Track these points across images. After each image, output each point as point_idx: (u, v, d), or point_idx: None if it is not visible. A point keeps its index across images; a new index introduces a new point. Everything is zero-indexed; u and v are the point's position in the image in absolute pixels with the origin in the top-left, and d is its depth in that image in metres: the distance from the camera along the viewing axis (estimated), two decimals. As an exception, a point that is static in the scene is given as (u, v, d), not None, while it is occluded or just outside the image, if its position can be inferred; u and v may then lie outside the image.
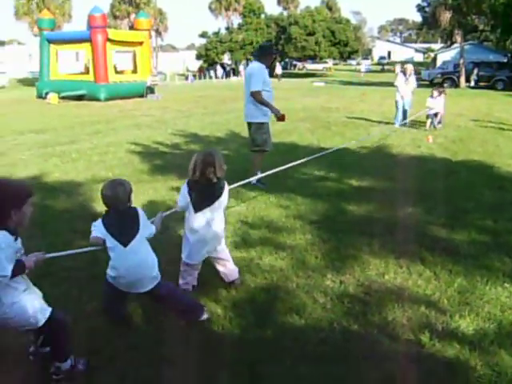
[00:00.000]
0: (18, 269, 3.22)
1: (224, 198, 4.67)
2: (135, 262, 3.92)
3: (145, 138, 13.99)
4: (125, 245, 3.90)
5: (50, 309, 3.45)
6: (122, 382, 3.46)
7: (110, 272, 3.99)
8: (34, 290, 3.48)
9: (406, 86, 15.96)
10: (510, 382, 3.40)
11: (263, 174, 7.79)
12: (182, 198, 4.61)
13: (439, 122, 15.44)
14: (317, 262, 5.37)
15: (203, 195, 4.57)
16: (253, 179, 7.88)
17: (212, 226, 4.61)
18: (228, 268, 4.83)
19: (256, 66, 8.43)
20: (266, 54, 8.65)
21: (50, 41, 29.74)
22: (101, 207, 7.36)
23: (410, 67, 16.35)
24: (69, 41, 29.41)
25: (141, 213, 4.05)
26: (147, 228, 4.07)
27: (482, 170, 9.93)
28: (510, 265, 5.28)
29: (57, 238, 6.21)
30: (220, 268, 4.82)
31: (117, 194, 3.93)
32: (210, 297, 4.59)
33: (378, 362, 3.58)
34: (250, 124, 8.71)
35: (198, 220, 4.56)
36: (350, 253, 5.59)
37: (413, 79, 16.22)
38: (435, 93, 15.36)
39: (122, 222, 3.97)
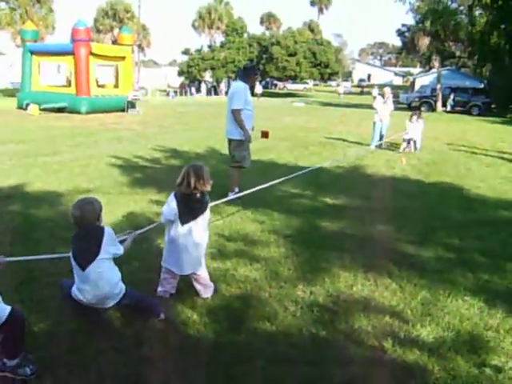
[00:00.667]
0: None
1: (207, 212, 4.88)
2: (94, 284, 4.11)
3: (125, 152, 14.17)
4: (83, 268, 4.09)
5: (9, 307, 3.51)
6: (103, 381, 3.66)
7: (74, 290, 4.21)
8: None
9: (384, 109, 16.40)
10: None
11: (243, 193, 8.02)
12: (170, 211, 4.67)
13: (415, 149, 15.87)
14: (289, 274, 5.62)
15: (190, 208, 4.70)
16: (232, 197, 8.12)
17: (196, 239, 4.79)
18: (205, 286, 4.98)
19: (239, 86, 8.75)
20: (249, 74, 8.96)
21: (33, 52, 29.78)
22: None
23: (387, 90, 16.90)
24: (52, 53, 29.46)
25: (107, 233, 4.15)
26: (112, 248, 4.18)
27: (452, 192, 10.31)
28: (471, 280, 5.60)
29: (38, 245, 6.36)
30: (197, 285, 4.97)
31: (84, 213, 4.06)
32: (187, 304, 4.81)
33: (344, 365, 3.83)
34: (230, 141, 9.02)
35: (183, 232, 4.71)
36: (321, 266, 5.86)
37: (390, 102, 16.75)
38: (414, 117, 15.81)
39: (84, 244, 4.12)
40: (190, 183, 4.60)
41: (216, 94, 61.41)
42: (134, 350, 4.01)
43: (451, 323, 4.55)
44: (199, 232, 4.81)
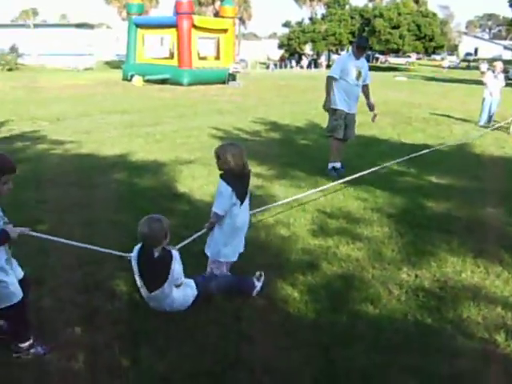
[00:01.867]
0: (2, 237, 3.35)
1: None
2: (158, 304, 4.16)
3: (226, 124, 14.25)
4: (150, 291, 4.11)
5: (21, 293, 3.53)
6: (201, 354, 3.65)
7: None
8: (14, 266, 3.60)
9: (495, 84, 15.58)
10: None
11: (353, 176, 7.83)
12: (227, 201, 4.43)
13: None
14: (393, 255, 5.42)
15: (244, 186, 4.58)
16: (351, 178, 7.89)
17: (247, 217, 4.76)
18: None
19: (342, 55, 8.81)
20: (355, 45, 8.93)
21: (138, 25, 30.57)
22: (183, 187, 7.72)
23: (499, 65, 16.02)
24: (156, 26, 30.14)
25: (175, 257, 4.11)
26: (178, 273, 4.15)
27: None
28: None
29: (142, 214, 6.45)
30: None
31: (152, 231, 4.01)
32: (287, 280, 4.73)
33: (452, 357, 3.62)
34: (326, 109, 8.98)
35: (243, 211, 4.60)
36: (426, 248, 5.60)
37: (501, 77, 15.85)
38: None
39: (153, 270, 4.11)
40: (243, 161, 4.48)
41: (316, 67, 60.67)
42: (233, 325, 3.98)
43: None
44: (248, 209, 4.78)
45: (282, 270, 4.95)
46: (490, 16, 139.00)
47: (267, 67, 55.23)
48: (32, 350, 3.66)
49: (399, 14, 59.04)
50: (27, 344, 3.66)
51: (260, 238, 5.71)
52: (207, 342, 3.76)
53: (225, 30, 30.85)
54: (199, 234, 4.99)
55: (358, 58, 8.75)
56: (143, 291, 4.19)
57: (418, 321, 4.11)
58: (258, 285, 4.51)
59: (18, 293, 3.50)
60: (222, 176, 4.51)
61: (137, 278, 4.20)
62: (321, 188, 7.49)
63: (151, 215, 4.20)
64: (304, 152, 10.71)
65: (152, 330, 3.92)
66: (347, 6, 65.60)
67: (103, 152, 10.27)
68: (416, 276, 4.92)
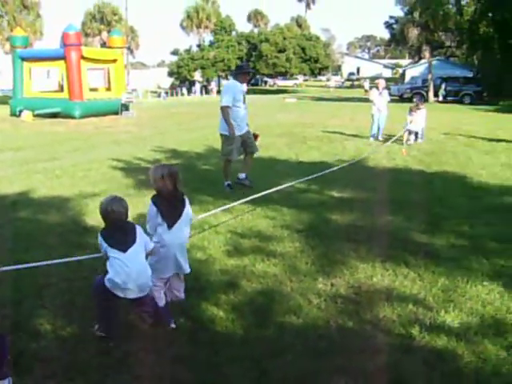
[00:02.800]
0: None
1: (188, 208, 4.81)
2: (136, 267, 4.15)
3: (125, 155, 14.15)
4: (124, 250, 4.11)
5: None
6: (136, 381, 3.69)
7: (113, 278, 4.13)
8: None
9: (380, 100, 16.58)
10: (494, 366, 3.74)
11: (260, 194, 8.02)
12: (153, 220, 4.60)
13: (421, 137, 16.00)
14: (307, 268, 5.67)
15: (173, 209, 4.66)
16: (247, 199, 8.08)
17: (183, 238, 4.80)
18: (182, 285, 4.95)
19: (229, 84, 9.47)
20: (240, 72, 9.66)
21: (24, 58, 29.63)
22: (91, 220, 7.63)
23: (382, 82, 17.14)
24: (43, 58, 29.38)
25: (138, 228, 4.28)
26: (145, 240, 4.29)
27: (455, 180, 10.40)
28: (487, 266, 5.67)
29: (53, 251, 6.36)
30: (176, 285, 4.92)
31: (115, 208, 4.16)
32: (210, 301, 4.85)
33: (374, 354, 3.89)
34: (220, 135, 9.60)
35: (171, 235, 4.63)
36: (338, 258, 5.91)
37: (386, 93, 16.95)
38: (413, 111, 15.86)
39: (120, 233, 4.18)
40: (172, 183, 4.59)
41: (207, 93, 61.35)
42: (166, 350, 4.04)
43: (474, 308, 4.62)
44: (185, 230, 4.82)
45: (204, 291, 5.06)
46: (369, 37, 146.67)
47: (159, 96, 55.14)
48: None
49: (284, 38, 61.06)
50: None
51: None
52: (143, 370, 3.80)
53: (114, 60, 30.57)
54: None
55: (242, 83, 9.50)
56: (120, 255, 4.10)
57: (340, 325, 4.36)
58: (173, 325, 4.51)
59: None
60: (152, 197, 4.67)
61: (109, 250, 4.14)
62: (229, 206, 7.61)
63: (112, 195, 4.44)
64: (207, 177, 10.88)
65: (84, 363, 3.90)
66: (233, 33, 67.01)
67: (2, 190, 9.91)
68: (332, 284, 5.19)
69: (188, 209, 4.84)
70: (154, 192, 4.74)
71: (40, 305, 4.87)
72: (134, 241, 4.17)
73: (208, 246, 6.43)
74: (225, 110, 9.15)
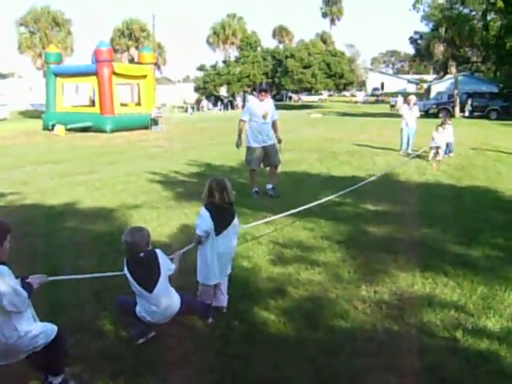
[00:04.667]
0: (29, 289, 3.68)
1: (236, 220, 5.19)
2: (163, 305, 4.45)
3: (161, 168, 14.56)
4: (150, 291, 4.40)
5: (56, 327, 3.85)
6: (199, 377, 3.99)
7: (141, 313, 4.48)
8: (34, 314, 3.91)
9: (410, 115, 17.01)
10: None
11: (302, 208, 8.34)
12: (206, 224, 4.93)
13: (450, 151, 16.18)
14: (350, 276, 5.96)
15: (223, 217, 5.02)
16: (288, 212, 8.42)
17: (230, 247, 5.15)
18: (224, 294, 5.23)
19: (249, 100, 10.77)
20: (259, 91, 11.10)
21: (57, 74, 30.49)
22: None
23: (413, 98, 17.82)
24: (75, 74, 30.22)
25: (159, 253, 4.51)
26: (167, 265, 4.54)
27: (486, 195, 10.58)
28: (524, 276, 5.89)
29: (104, 258, 6.73)
30: (217, 292, 5.20)
31: (135, 239, 4.41)
32: (261, 306, 5.16)
33: (422, 355, 4.17)
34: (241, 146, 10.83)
35: (220, 242, 4.99)
36: (378, 268, 6.19)
37: (416, 109, 17.44)
38: (440, 129, 16.06)
39: (145, 268, 4.44)
40: (219, 194, 4.95)
41: (232, 108, 61.99)
42: (224, 349, 4.35)
43: (513, 315, 4.87)
44: (232, 240, 5.17)
45: (254, 297, 5.37)
46: (393, 52, 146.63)
47: (186, 110, 55.87)
48: None
49: (309, 54, 61.53)
50: (60, 379, 3.84)
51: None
52: (204, 366, 4.11)
53: (144, 76, 31.28)
54: (188, 248, 5.33)
55: (261, 100, 10.42)
56: (146, 294, 4.39)
57: (386, 328, 4.64)
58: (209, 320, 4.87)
59: (52, 327, 3.82)
60: (205, 204, 5.03)
61: (135, 286, 4.43)
62: (272, 218, 7.94)
63: (133, 226, 4.67)
64: (243, 190, 11.18)
65: (149, 360, 4.22)
66: (259, 48, 67.70)
67: (48, 201, 10.36)
68: (375, 292, 5.47)
69: (236, 220, 5.18)
70: (192, 203, 5.10)
71: (102, 308, 5.20)
72: (158, 275, 4.41)
73: (253, 255, 6.75)
74: (239, 123, 10.55)
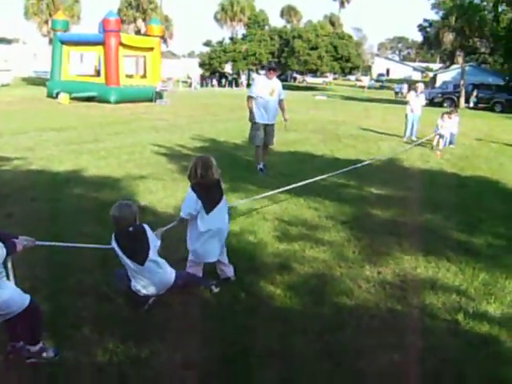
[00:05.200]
0: (10, 249, 3.62)
1: (224, 198, 5.24)
2: (156, 278, 4.54)
3: (165, 141, 14.60)
4: (142, 263, 4.49)
5: (28, 296, 3.74)
6: (208, 345, 4.09)
7: (135, 285, 4.57)
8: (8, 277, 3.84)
9: (416, 102, 17.12)
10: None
11: (301, 183, 8.41)
12: (190, 206, 4.97)
13: (450, 142, 16.19)
14: (355, 256, 6.06)
15: (211, 196, 5.06)
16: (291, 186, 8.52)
17: (223, 223, 5.19)
18: (227, 266, 5.30)
19: (256, 78, 11.29)
20: (267, 69, 11.03)
21: (63, 42, 30.30)
22: (144, 200, 8.06)
23: (420, 86, 18.08)
24: (82, 43, 30.04)
25: (147, 228, 4.58)
26: (154, 241, 4.60)
27: (489, 185, 10.68)
28: (525, 265, 5.99)
29: (109, 226, 6.74)
30: (220, 266, 5.29)
31: (122, 214, 4.46)
32: (267, 280, 5.26)
33: (424, 335, 4.29)
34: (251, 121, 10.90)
35: (210, 220, 5.03)
36: (382, 249, 6.28)
37: (422, 97, 17.62)
38: (445, 116, 16.06)
39: (134, 242, 4.51)
40: (205, 172, 4.95)
41: (237, 85, 61.72)
42: (231, 319, 4.45)
43: (514, 302, 4.98)
44: (224, 216, 5.23)
45: (259, 271, 5.47)
46: (400, 39, 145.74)
47: (190, 86, 55.62)
48: (44, 354, 3.83)
49: (317, 36, 61.12)
50: (37, 347, 3.82)
51: (232, 245, 6.17)
52: (212, 335, 4.20)
53: (151, 49, 31.11)
54: (169, 226, 5.34)
55: (270, 78, 10.55)
56: (135, 267, 4.49)
57: (389, 308, 4.76)
58: (216, 290, 4.97)
59: (23, 296, 3.71)
60: (191, 184, 5.06)
61: (125, 260, 4.51)
62: (271, 193, 7.98)
63: (121, 201, 4.70)
64: (249, 167, 11.27)
65: (156, 326, 4.31)
66: (266, 27, 67.19)
67: (54, 168, 10.41)
68: (378, 272, 5.58)
69: (224, 197, 5.25)
70: None
71: (108, 273, 5.27)
72: (148, 248, 4.49)
73: (258, 230, 6.83)
74: (248, 100, 10.62)
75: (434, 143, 15.62)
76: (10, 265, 3.82)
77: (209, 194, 5.03)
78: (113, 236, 4.57)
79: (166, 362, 3.83)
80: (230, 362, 3.84)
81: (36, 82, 46.82)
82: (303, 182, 8.31)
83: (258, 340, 4.13)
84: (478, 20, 39.35)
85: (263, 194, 7.88)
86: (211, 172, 4.99)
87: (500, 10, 41.72)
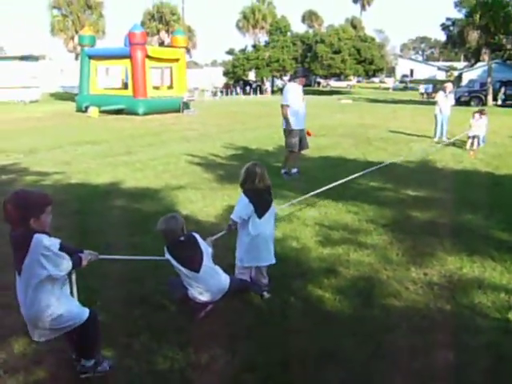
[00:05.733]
0: (76, 262, 3.71)
1: (273, 203, 5.40)
2: (212, 284, 4.67)
3: (198, 150, 14.79)
4: (197, 271, 4.61)
5: (87, 310, 3.79)
6: (263, 348, 4.20)
7: (192, 293, 4.68)
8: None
9: (445, 102, 17.09)
10: None
11: (338, 182, 8.79)
12: (244, 210, 5.09)
13: (483, 141, 16.07)
14: (399, 258, 6.12)
15: (263, 201, 5.21)
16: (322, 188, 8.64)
17: (271, 228, 5.35)
18: (265, 276, 5.31)
19: (290, 85, 11.03)
20: (300, 76, 11.16)
21: (91, 56, 30.82)
22: (185, 210, 8.20)
23: (449, 86, 18.03)
24: (109, 57, 30.53)
25: (197, 236, 4.74)
26: (206, 248, 4.75)
27: (526, 183, 10.61)
28: None
29: (157, 236, 6.93)
30: (260, 275, 5.32)
31: (170, 226, 4.62)
32: (315, 284, 5.35)
33: (476, 334, 4.33)
34: (284, 130, 11.07)
35: (262, 225, 5.17)
36: (426, 251, 6.33)
37: (451, 97, 17.55)
38: (477, 115, 15.98)
39: (188, 251, 4.65)
40: (260, 179, 5.11)
41: (261, 93, 61.90)
42: (283, 323, 4.55)
43: None
44: (272, 222, 5.38)
45: (307, 276, 5.57)
46: (423, 39, 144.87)
47: (215, 95, 55.98)
48: (99, 368, 3.88)
49: (339, 40, 61.05)
50: (92, 362, 3.87)
51: (277, 251, 6.24)
52: (267, 340, 4.30)
53: (177, 60, 31.47)
54: (219, 235, 5.52)
55: (301, 85, 10.94)
56: (191, 275, 4.61)
57: (439, 308, 4.81)
58: (267, 295, 5.09)
59: (81, 311, 3.78)
60: (244, 190, 5.19)
61: (181, 269, 4.64)
62: (310, 194, 8.24)
63: (167, 214, 4.87)
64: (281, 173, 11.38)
65: (213, 333, 4.42)
66: (289, 33, 67.34)
67: (93, 181, 10.65)
68: (424, 274, 5.63)
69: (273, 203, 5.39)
70: (234, 185, 5.27)
71: (159, 282, 5.41)
72: (201, 255, 4.64)
73: (300, 236, 6.93)
74: (284, 108, 10.64)
75: (468, 146, 15.49)
76: (74, 279, 3.97)
77: (261, 199, 5.18)
78: (165, 249, 4.71)
79: (226, 366, 3.94)
80: (287, 364, 3.93)
81: (64, 96, 47.58)
82: (339, 182, 8.56)
83: (312, 343, 4.22)
84: (502, 16, 38.89)
85: (302, 197, 8.08)
86: (264, 178, 5.16)
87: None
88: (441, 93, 17.84)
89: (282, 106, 10.74)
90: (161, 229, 4.66)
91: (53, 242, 3.54)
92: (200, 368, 3.95)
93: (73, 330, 3.73)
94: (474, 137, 15.61)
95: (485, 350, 4.08)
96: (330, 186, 8.57)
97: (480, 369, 3.84)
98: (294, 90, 10.81)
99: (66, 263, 3.62)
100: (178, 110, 30.19)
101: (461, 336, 4.29)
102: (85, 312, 3.78)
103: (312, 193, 8.29)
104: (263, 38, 69.54)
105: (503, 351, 4.06)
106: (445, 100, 17.39)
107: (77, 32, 47.12)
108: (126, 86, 31.29)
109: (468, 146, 15.50)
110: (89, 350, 3.89)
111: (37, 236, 3.47)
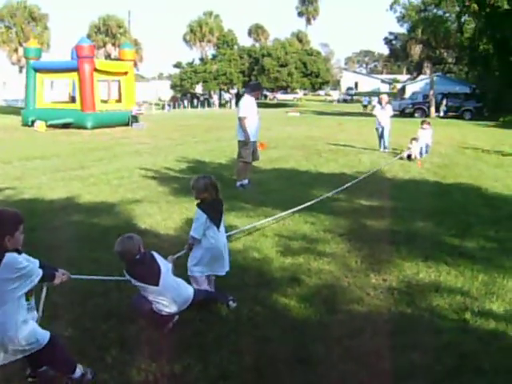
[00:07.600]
0: (48, 276, 3.77)
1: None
2: (174, 295, 4.75)
3: (151, 164, 14.78)
4: (156, 284, 4.68)
5: (48, 332, 3.75)
6: (237, 358, 4.30)
7: (156, 307, 4.73)
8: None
9: (383, 114, 17.54)
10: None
11: (305, 205, 8.95)
12: (204, 225, 5.20)
13: (426, 152, 16.60)
14: (358, 266, 6.33)
15: (217, 211, 5.38)
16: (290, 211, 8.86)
17: (225, 237, 5.57)
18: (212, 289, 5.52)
19: (246, 98, 11.29)
20: (254, 89, 11.70)
21: (37, 69, 30.34)
22: (143, 224, 8.22)
23: (384, 97, 18.43)
24: (56, 70, 30.15)
25: (155, 254, 4.84)
26: (165, 264, 4.85)
27: (472, 191, 11.07)
28: (518, 265, 6.34)
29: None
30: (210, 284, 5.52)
31: (127, 248, 4.67)
32: (279, 293, 5.49)
33: (437, 334, 4.56)
34: (238, 141, 11.35)
35: (221, 234, 5.38)
36: (383, 258, 6.57)
37: (389, 108, 17.94)
38: (425, 125, 16.54)
39: (144, 266, 4.70)
40: (215, 191, 5.31)
41: (209, 106, 62.12)
42: (253, 333, 4.66)
43: (514, 299, 5.29)
44: (224, 231, 5.58)
45: (270, 285, 5.70)
46: (367, 52, 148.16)
47: (162, 108, 55.85)
48: (86, 378, 3.91)
49: (286, 53, 62.00)
50: (79, 373, 3.88)
51: (239, 262, 6.40)
52: (238, 348, 4.39)
53: (125, 73, 31.34)
54: (180, 253, 5.61)
55: (255, 98, 11.45)
56: (153, 290, 4.67)
57: (401, 312, 5.03)
58: (233, 305, 5.16)
59: (43, 333, 3.74)
60: (198, 205, 5.32)
61: (141, 285, 4.70)
62: (278, 216, 8.37)
63: (123, 235, 4.87)
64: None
65: (184, 343, 4.48)
66: (236, 47, 67.93)
67: (47, 196, 10.49)
68: (384, 280, 5.85)
69: None
70: (190, 198, 5.40)
71: (125, 296, 5.43)
72: (159, 269, 4.72)
73: (261, 247, 7.06)
74: (243, 120, 10.98)
75: (413, 155, 15.95)
76: (43, 294, 3.98)
77: (216, 210, 5.33)
78: (124, 271, 4.77)
79: (200, 375, 4.01)
80: (260, 371, 4.04)
81: (7, 110, 46.49)
82: (309, 203, 8.94)
83: (283, 349, 4.35)
84: (443, 31, 40.41)
85: (283, 213, 8.52)
86: (218, 189, 5.34)
87: (462, 20, 42.86)
88: (377, 106, 18.22)
89: (240, 118, 11.07)
90: (117, 251, 4.70)
91: (25, 260, 3.58)
92: (175, 378, 4.01)
93: (35, 352, 3.70)
94: (421, 146, 16.11)
95: (447, 349, 4.30)
96: (311, 202, 8.89)
97: (443, 367, 4.05)
98: (250, 103, 11.20)
99: (35, 277, 3.64)
100: (126, 124, 30.06)
101: (423, 337, 4.50)
102: (45, 335, 3.75)
103: (281, 214, 8.46)
104: (210, 51, 70.03)
105: (464, 349, 4.28)
106: (382, 112, 17.75)
107: (21, 44, 46.27)
108: (73, 100, 30.93)
109: (412, 155, 15.84)
110: (66, 366, 3.90)
111: (8, 255, 3.49)
